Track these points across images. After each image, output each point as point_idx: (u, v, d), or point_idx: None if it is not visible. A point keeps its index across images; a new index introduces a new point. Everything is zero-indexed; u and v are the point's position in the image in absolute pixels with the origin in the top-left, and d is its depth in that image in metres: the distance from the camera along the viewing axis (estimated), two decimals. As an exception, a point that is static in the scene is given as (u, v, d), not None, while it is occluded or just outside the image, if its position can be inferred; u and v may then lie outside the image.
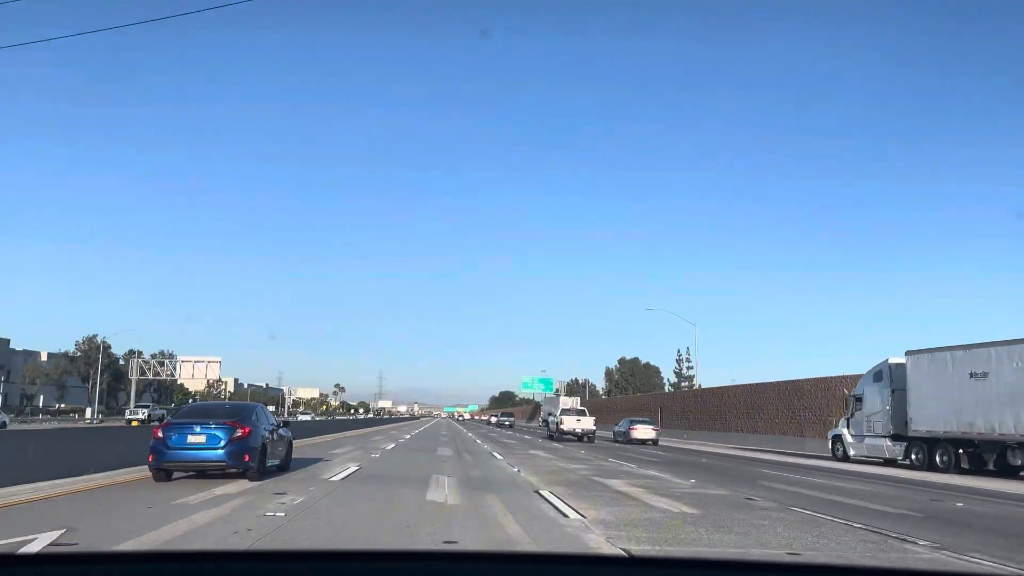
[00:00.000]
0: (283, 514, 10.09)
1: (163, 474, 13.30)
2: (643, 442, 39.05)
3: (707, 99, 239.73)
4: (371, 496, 12.64)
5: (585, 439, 41.38)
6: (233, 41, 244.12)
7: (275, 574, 1.90)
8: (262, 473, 14.05)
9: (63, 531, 8.27)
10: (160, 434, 13.09)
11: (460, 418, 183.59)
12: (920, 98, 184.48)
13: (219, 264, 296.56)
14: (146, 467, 13.74)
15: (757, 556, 7.78)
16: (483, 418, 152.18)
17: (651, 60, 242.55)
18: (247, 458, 13.42)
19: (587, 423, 42.02)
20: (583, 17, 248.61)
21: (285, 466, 15.99)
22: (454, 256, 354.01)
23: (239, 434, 13.30)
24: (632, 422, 41.33)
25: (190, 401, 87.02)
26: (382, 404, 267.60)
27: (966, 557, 8.34)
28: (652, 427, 40.55)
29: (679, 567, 2.26)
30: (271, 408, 35.14)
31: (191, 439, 13.09)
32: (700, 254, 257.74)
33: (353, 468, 17.96)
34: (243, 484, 13.20)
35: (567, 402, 57.84)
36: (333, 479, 15.13)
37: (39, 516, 9.49)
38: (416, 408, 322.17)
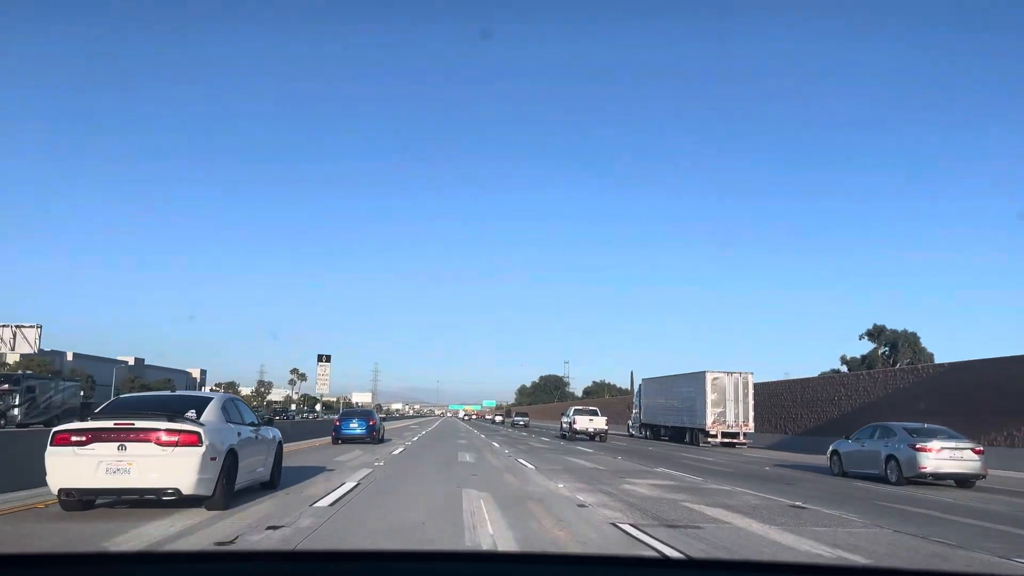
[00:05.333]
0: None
1: (339, 442, 29.50)
2: (944, 479, 18.58)
3: (710, 99, 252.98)
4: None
5: (597, 438, 41.01)
6: (231, 41, 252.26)
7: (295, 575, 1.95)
8: (379, 441, 30.33)
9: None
10: (338, 423, 29.59)
11: (468, 417, 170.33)
12: (921, 98, 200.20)
13: (216, 263, 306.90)
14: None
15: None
16: (490, 416, 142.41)
17: (654, 60, 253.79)
18: (374, 434, 29.73)
19: (599, 423, 41.64)
20: (583, 18, 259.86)
21: (383, 439, 32.32)
22: (460, 251, 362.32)
23: (371, 423, 29.70)
24: (920, 435, 18.75)
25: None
26: (359, 399, 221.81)
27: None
28: (970, 446, 18.63)
29: (693, 568, 2.19)
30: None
31: (351, 425, 29.47)
32: (691, 252, 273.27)
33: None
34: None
35: (715, 382, 39.54)
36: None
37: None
38: (416, 406, 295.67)
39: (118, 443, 9.01)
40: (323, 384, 54.43)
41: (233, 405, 11.24)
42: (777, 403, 42.62)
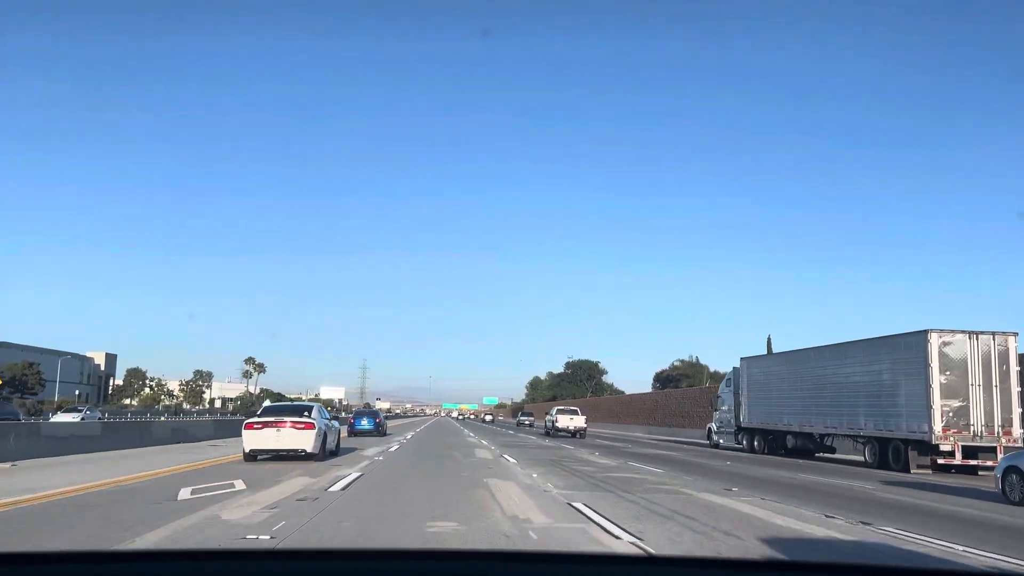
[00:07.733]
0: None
1: (352, 435, 39.25)
2: None
3: (711, 100, 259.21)
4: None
5: (577, 436, 44.56)
6: (228, 41, 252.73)
7: (295, 574, 1.97)
8: (383, 435, 40.10)
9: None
10: (352, 420, 39.62)
11: (461, 416, 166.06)
12: (922, 99, 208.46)
13: (211, 262, 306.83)
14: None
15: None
16: (481, 416, 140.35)
17: (653, 61, 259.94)
18: (380, 430, 39.74)
19: (579, 421, 45.63)
20: (587, 16, 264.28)
21: (386, 434, 42.08)
22: (460, 237, 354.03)
23: (378, 420, 39.87)
24: None
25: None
26: (329, 394, 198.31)
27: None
28: None
29: (694, 566, 2.26)
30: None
31: (362, 422, 39.57)
32: (696, 251, 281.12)
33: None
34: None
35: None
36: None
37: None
38: (408, 405, 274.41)
39: (276, 428, 18.80)
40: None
41: (323, 408, 21.14)
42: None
